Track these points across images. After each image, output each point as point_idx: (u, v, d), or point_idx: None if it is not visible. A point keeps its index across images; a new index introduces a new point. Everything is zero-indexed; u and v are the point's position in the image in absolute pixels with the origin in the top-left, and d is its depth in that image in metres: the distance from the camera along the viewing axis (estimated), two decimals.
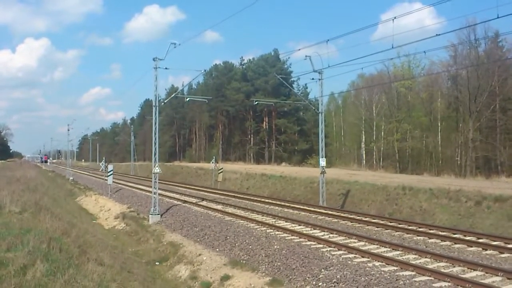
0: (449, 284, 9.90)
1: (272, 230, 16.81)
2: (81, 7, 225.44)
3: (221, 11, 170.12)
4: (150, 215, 22.50)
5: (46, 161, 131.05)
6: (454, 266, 11.41)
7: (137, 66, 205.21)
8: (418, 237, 15.37)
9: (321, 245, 14.10)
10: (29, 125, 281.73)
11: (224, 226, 18.10)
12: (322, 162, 25.23)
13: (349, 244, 14.00)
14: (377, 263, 11.79)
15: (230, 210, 22.76)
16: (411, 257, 12.41)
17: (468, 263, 11.48)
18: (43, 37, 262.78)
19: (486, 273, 10.73)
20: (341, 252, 13.16)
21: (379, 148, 57.13)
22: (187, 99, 42.85)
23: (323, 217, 20.53)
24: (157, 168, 23.53)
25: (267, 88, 70.10)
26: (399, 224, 17.98)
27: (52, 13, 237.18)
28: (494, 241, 14.51)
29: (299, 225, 17.90)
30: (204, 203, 25.90)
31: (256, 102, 44.91)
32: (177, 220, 21.22)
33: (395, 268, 11.30)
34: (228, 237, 16.39)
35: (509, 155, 42.06)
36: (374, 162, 56.90)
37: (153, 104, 23.96)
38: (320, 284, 10.89)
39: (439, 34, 18.19)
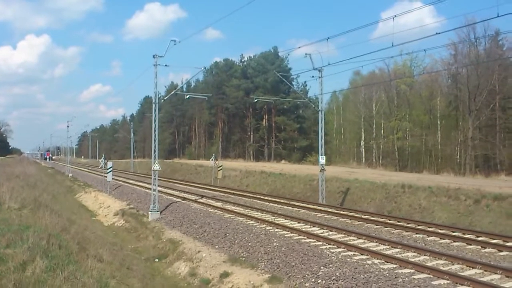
0: (448, 282, 9.91)
1: (271, 228, 16.83)
2: (82, 5, 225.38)
3: (222, 9, 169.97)
4: (149, 212, 22.51)
5: (48, 158, 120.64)
6: (453, 264, 11.43)
7: (138, 63, 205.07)
8: (417, 235, 15.39)
9: (320, 243, 14.12)
10: (28, 122, 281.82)
11: (223, 223, 18.12)
12: (322, 159, 25.23)
13: (348, 242, 14.03)
14: (376, 261, 11.81)
15: (229, 207, 22.78)
16: (410, 255, 12.43)
17: (467, 261, 11.50)
18: (44, 33, 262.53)
19: (485, 271, 10.75)
20: (340, 249, 13.19)
21: (378, 146, 57.14)
22: (187, 96, 42.76)
23: (322, 214, 20.55)
24: (156, 165, 23.53)
25: (267, 85, 69.97)
26: (398, 222, 17.99)
27: (53, 10, 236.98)
28: (493, 239, 14.53)
29: (299, 223, 17.92)
30: (203, 200, 25.92)
31: (256, 100, 44.83)
32: (177, 217, 21.24)
33: (394, 265, 11.32)
34: (227, 234, 16.41)
35: (509, 153, 42.01)
36: (374, 160, 56.91)
37: (153, 101, 23.95)
38: (319, 281, 10.90)
39: (439, 33, 18.06)
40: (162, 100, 29.99)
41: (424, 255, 12.35)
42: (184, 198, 26.68)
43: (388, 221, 18.09)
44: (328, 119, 65.51)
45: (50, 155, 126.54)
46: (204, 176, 45.60)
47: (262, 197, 27.70)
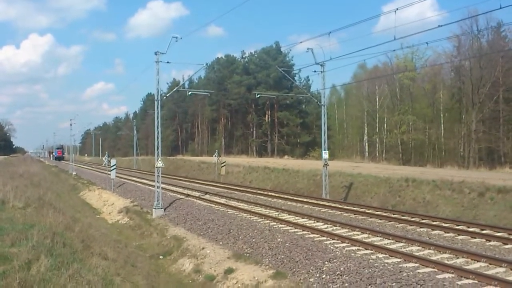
0: (453, 275, 9.88)
1: (275, 223, 16.83)
2: (85, 4, 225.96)
3: (225, 6, 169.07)
4: (153, 209, 22.54)
5: (56, 157, 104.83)
6: (457, 258, 11.40)
7: (140, 61, 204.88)
8: (421, 229, 15.35)
9: (324, 238, 14.10)
10: (32, 121, 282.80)
11: (227, 219, 18.12)
12: (325, 154, 25.18)
13: (353, 237, 14.01)
14: (380, 255, 11.79)
15: (233, 203, 22.78)
16: (414, 249, 12.41)
17: (472, 254, 11.47)
18: (47, 33, 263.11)
19: (490, 264, 10.72)
20: (344, 244, 13.17)
21: (381, 140, 57.06)
22: (189, 93, 42.75)
23: (326, 209, 20.53)
24: (159, 162, 23.53)
25: (269, 81, 69.93)
26: (402, 216, 17.96)
27: (55, 9, 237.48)
28: (498, 232, 14.47)
29: (302, 218, 17.91)
30: (207, 196, 25.93)
31: (258, 95, 44.80)
32: (181, 214, 21.26)
33: (399, 260, 11.30)
34: (231, 231, 16.42)
35: None
36: (377, 154, 56.90)
37: (155, 98, 23.93)
38: (323, 276, 10.90)
39: (441, 25, 17.91)
40: (164, 97, 29.97)
41: (429, 249, 12.32)
42: (188, 195, 26.69)
43: (392, 215, 18.05)
44: (331, 114, 65.46)
45: (62, 154, 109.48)
46: (207, 173, 45.62)
47: (265, 192, 27.69)
